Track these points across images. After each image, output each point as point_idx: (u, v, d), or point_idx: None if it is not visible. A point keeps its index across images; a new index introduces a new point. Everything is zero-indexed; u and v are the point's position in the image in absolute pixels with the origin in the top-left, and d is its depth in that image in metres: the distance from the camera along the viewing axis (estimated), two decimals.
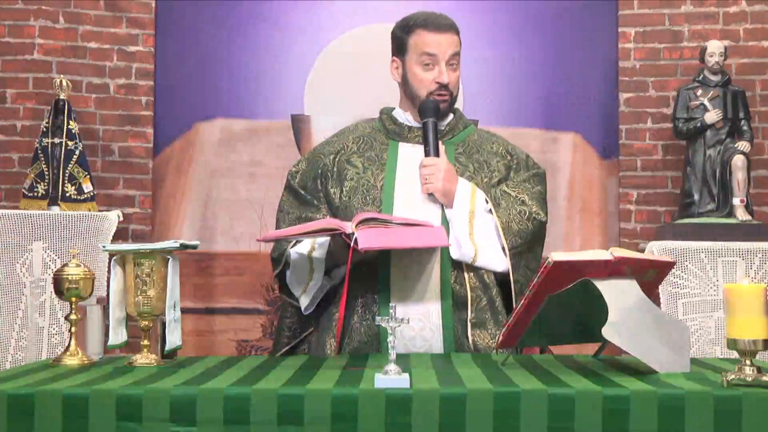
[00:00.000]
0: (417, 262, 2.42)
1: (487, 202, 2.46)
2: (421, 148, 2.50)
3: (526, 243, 2.48)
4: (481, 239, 2.43)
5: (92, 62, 4.33)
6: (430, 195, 2.45)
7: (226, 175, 4.35)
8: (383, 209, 2.47)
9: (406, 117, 2.61)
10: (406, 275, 2.40)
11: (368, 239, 2.18)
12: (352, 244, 2.18)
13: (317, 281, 2.44)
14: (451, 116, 2.62)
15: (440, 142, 2.51)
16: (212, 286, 4.32)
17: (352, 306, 2.42)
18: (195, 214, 4.35)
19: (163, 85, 4.40)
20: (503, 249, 2.44)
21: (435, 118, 2.49)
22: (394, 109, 2.65)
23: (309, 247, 2.44)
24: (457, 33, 2.55)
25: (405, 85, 2.57)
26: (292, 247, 2.48)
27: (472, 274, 2.43)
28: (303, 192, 2.56)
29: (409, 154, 2.53)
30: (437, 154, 2.47)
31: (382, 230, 2.23)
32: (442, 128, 2.56)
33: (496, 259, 2.44)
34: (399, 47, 2.57)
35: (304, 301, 2.48)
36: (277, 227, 2.57)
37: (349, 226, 2.22)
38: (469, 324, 2.41)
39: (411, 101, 2.57)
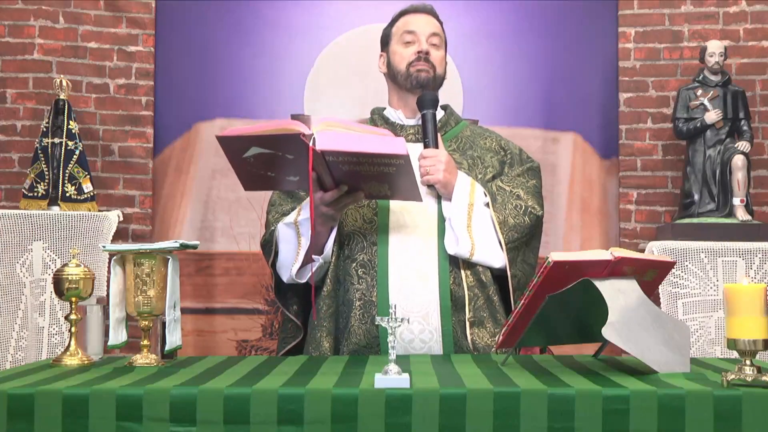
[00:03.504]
0: (415, 264, 2.41)
1: (485, 196, 2.47)
2: (414, 146, 2.50)
3: (523, 237, 2.48)
4: (478, 233, 2.43)
5: (92, 62, 4.33)
6: (429, 188, 2.45)
7: (226, 175, 4.34)
8: (379, 209, 2.47)
9: (397, 115, 2.62)
10: (405, 277, 2.40)
11: (326, 140, 2.17)
12: (310, 144, 2.16)
13: (305, 247, 2.41)
14: (442, 112, 2.64)
15: (438, 135, 2.52)
16: (212, 286, 4.32)
17: (350, 307, 2.42)
18: (195, 214, 4.35)
19: (163, 85, 4.39)
20: (500, 244, 2.45)
21: (433, 109, 2.51)
22: (385, 108, 2.66)
23: (295, 215, 2.46)
24: (438, 20, 2.63)
25: (389, 69, 2.61)
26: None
27: (469, 272, 2.43)
28: None
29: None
30: (437, 146, 2.48)
31: (341, 134, 2.21)
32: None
33: (493, 254, 2.44)
34: (385, 41, 2.65)
35: (295, 268, 2.43)
36: (267, 220, 2.58)
37: (308, 128, 2.20)
38: (467, 323, 2.41)
39: (394, 82, 2.60)
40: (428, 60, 2.54)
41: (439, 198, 2.48)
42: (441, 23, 2.63)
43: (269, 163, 2.27)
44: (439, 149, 2.48)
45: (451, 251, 2.41)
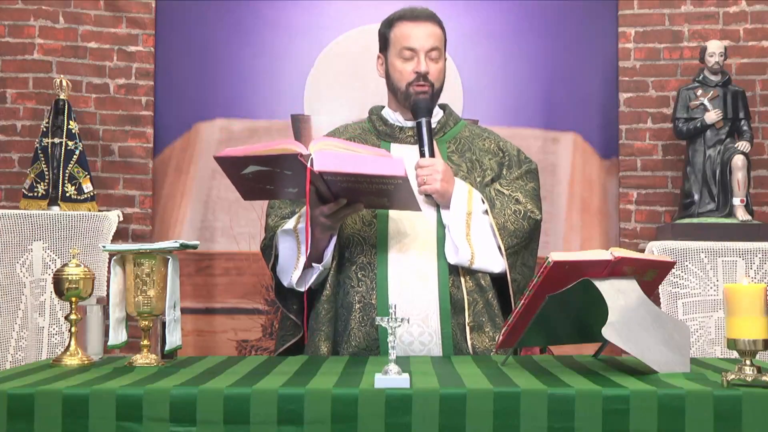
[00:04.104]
0: (415, 267, 2.41)
1: (483, 203, 2.46)
2: (413, 148, 2.49)
3: (523, 242, 2.48)
4: (477, 241, 2.42)
5: (92, 62, 4.33)
6: (427, 196, 2.45)
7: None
8: (378, 214, 2.46)
9: (396, 117, 2.60)
10: (404, 280, 2.40)
11: (324, 161, 2.16)
12: (308, 165, 2.16)
13: (304, 255, 2.40)
14: (441, 113, 2.62)
15: (434, 142, 2.51)
16: (212, 286, 4.32)
17: (350, 310, 2.41)
18: (195, 214, 4.35)
19: (163, 85, 4.39)
20: (499, 249, 2.44)
21: (428, 117, 2.49)
22: (383, 108, 2.64)
23: (294, 222, 2.45)
24: (439, 24, 2.56)
25: (387, 79, 2.58)
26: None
27: (468, 277, 2.43)
28: None
29: (402, 155, 2.50)
30: (432, 155, 2.46)
31: (339, 154, 2.20)
32: (433, 126, 2.56)
33: (493, 260, 2.44)
34: (383, 43, 2.60)
35: (295, 276, 2.43)
36: (266, 224, 2.58)
37: (306, 147, 2.19)
38: (467, 328, 2.40)
39: (393, 95, 2.58)
40: (427, 79, 2.51)
41: (437, 204, 2.47)
42: (441, 24, 2.57)
43: (268, 177, 2.27)
44: (436, 158, 2.46)
45: (451, 261, 2.41)
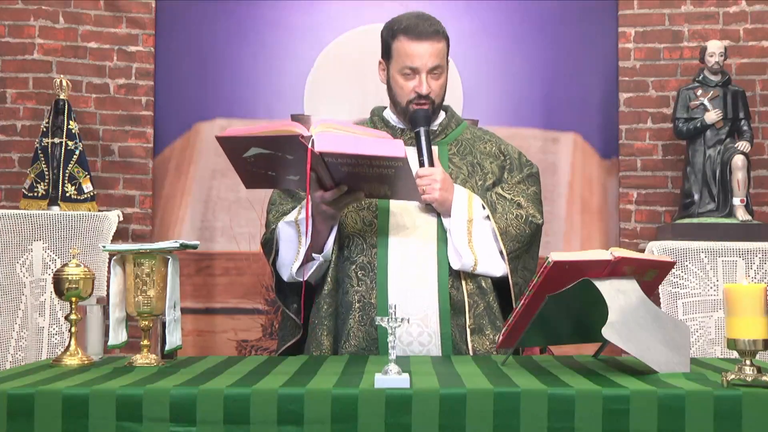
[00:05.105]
0: (415, 267, 2.41)
1: (484, 208, 2.46)
2: (414, 149, 2.49)
3: (524, 246, 2.48)
4: (480, 247, 2.42)
5: (92, 62, 4.33)
6: (427, 205, 2.45)
7: (226, 175, 4.34)
8: (379, 212, 2.47)
9: (397, 119, 2.61)
10: (404, 280, 2.40)
11: (325, 142, 2.16)
12: (309, 146, 2.16)
13: (305, 245, 2.40)
14: (443, 115, 2.62)
15: (433, 148, 2.51)
16: (212, 286, 4.32)
17: (349, 310, 2.42)
18: (195, 214, 4.35)
19: (163, 85, 4.39)
20: (501, 254, 2.44)
21: (426, 126, 2.49)
22: (385, 109, 2.65)
23: (295, 213, 2.45)
24: (444, 37, 2.51)
25: (388, 89, 2.58)
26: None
27: (468, 279, 2.43)
28: None
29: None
30: (432, 164, 2.46)
31: (340, 135, 2.20)
32: (435, 128, 2.56)
33: (495, 265, 2.44)
34: (385, 50, 2.57)
35: (295, 266, 2.42)
36: (267, 220, 2.58)
37: (307, 129, 2.19)
38: (467, 330, 2.40)
39: (394, 107, 2.58)
40: (428, 97, 2.50)
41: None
42: (445, 35, 2.51)
43: (269, 162, 2.27)
44: (435, 167, 2.46)
45: (455, 266, 2.41)
